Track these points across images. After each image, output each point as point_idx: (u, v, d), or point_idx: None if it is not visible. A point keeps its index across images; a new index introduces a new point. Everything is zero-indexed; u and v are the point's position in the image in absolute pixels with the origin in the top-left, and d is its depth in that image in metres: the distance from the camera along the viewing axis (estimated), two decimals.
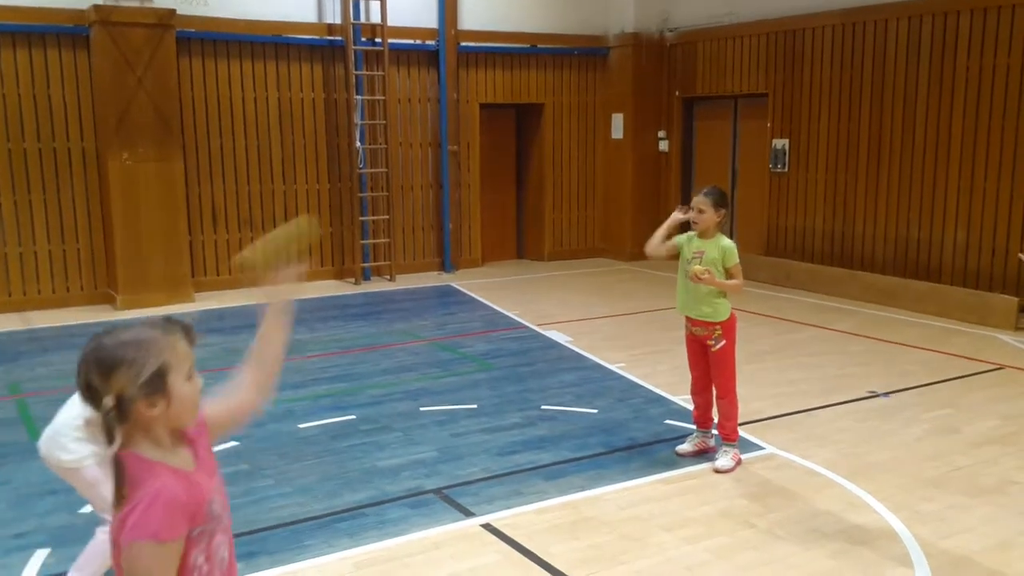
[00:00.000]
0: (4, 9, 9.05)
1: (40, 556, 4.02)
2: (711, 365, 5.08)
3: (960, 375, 6.83)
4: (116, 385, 1.76)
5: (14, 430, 5.83)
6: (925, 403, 6.15)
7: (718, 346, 5.01)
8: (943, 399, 6.24)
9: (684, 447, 5.24)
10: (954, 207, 9.18)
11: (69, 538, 4.12)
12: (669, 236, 5.09)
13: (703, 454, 5.17)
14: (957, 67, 9.02)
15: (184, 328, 1.89)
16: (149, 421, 1.81)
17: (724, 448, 5.08)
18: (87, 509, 4.05)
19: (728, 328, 5.03)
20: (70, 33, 9.41)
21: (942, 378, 6.74)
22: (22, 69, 9.29)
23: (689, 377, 5.27)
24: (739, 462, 5.04)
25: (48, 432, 3.38)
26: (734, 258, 4.95)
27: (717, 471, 4.96)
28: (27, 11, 9.16)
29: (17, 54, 9.24)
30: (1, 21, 9.06)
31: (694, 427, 5.30)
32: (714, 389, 5.14)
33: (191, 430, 1.95)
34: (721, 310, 4.99)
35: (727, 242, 4.99)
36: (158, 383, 1.79)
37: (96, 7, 9.07)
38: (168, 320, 1.89)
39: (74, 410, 3.33)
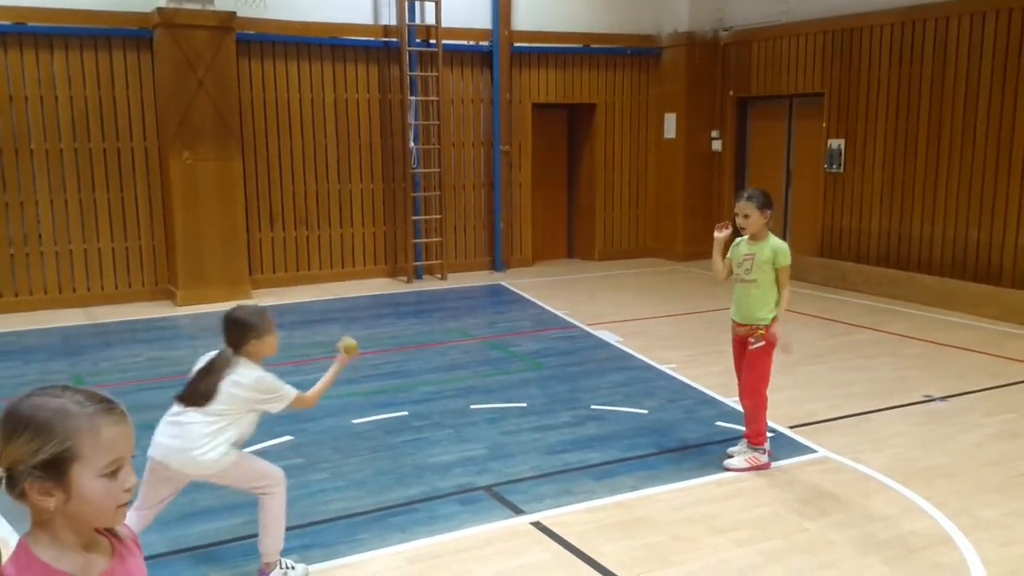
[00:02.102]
0: (72, 13, 9.33)
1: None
2: (746, 362, 4.99)
3: (1020, 380, 6.67)
4: (10, 454, 1.49)
5: None
6: (984, 408, 6.03)
7: (756, 344, 4.91)
8: (1003, 404, 6.11)
9: (733, 462, 5.03)
10: (1016, 208, 8.95)
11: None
12: (723, 255, 5.05)
13: (752, 471, 5.04)
14: (1021, 65, 8.79)
15: (121, 412, 1.58)
16: (45, 511, 1.52)
17: (745, 449, 5.00)
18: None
19: (771, 331, 4.93)
20: (134, 36, 9.67)
21: (1002, 383, 6.59)
22: (88, 71, 9.57)
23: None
24: (758, 467, 4.92)
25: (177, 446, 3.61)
26: (786, 259, 4.87)
27: (726, 468, 4.91)
28: (93, 15, 9.43)
29: (84, 56, 9.52)
30: (69, 25, 9.35)
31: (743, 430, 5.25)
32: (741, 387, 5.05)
33: (127, 543, 1.67)
34: (765, 315, 4.90)
35: (779, 242, 4.92)
36: (56, 470, 1.49)
37: (159, 10, 9.31)
38: (109, 401, 1.57)
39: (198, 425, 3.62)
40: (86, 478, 1.51)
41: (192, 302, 9.64)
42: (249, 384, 3.63)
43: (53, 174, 9.52)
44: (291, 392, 3.75)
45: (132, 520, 3.59)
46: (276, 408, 3.74)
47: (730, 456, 5.08)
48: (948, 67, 9.50)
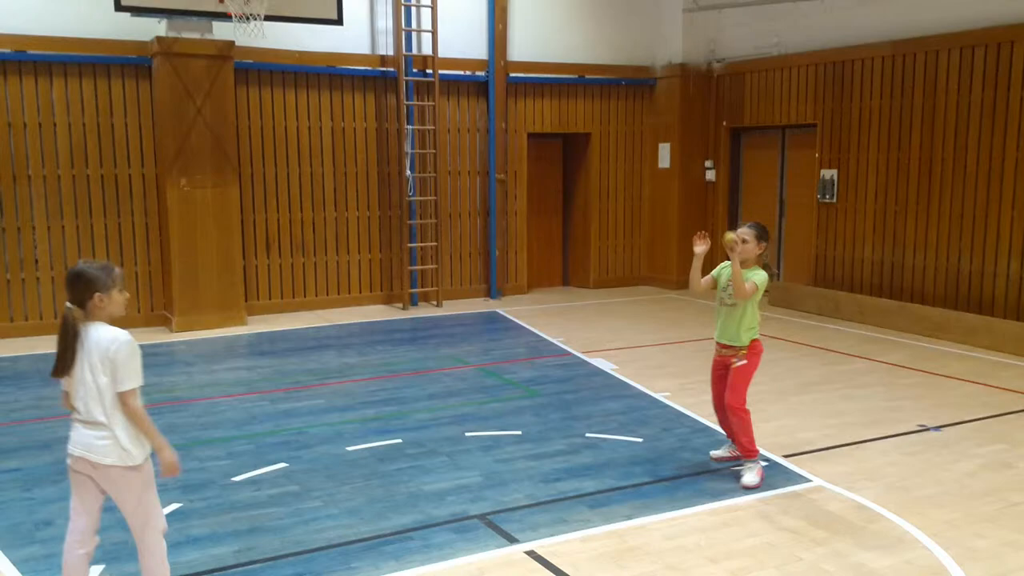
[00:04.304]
0: (72, 41, 9.41)
1: (95, 572, 4.13)
2: (728, 379, 5.25)
3: (1013, 410, 6.69)
4: None
5: None
6: (977, 438, 6.05)
7: (739, 363, 5.20)
8: (996, 434, 6.13)
9: (719, 452, 5.53)
10: (1007, 238, 9.03)
11: (124, 554, 4.24)
12: (704, 271, 5.33)
13: (737, 460, 5.36)
14: (1011, 97, 8.91)
15: None
16: None
17: (747, 464, 5.23)
18: None
19: (752, 352, 5.22)
20: (133, 64, 9.75)
21: (994, 413, 6.62)
22: (87, 98, 9.63)
23: None
24: (763, 477, 5.18)
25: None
26: (757, 278, 5.11)
27: (744, 487, 5.10)
28: (93, 43, 9.51)
29: (83, 84, 9.59)
30: (69, 52, 9.43)
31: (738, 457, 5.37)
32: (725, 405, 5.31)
33: None
34: (745, 337, 5.19)
35: (759, 270, 5.21)
36: None
37: (159, 39, 9.40)
38: None
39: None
40: None
41: (188, 328, 9.65)
42: (106, 343, 3.38)
43: (51, 200, 9.55)
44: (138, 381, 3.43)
45: (78, 528, 3.51)
46: (123, 385, 3.37)
47: (714, 457, 5.52)
48: (939, 99, 9.63)
